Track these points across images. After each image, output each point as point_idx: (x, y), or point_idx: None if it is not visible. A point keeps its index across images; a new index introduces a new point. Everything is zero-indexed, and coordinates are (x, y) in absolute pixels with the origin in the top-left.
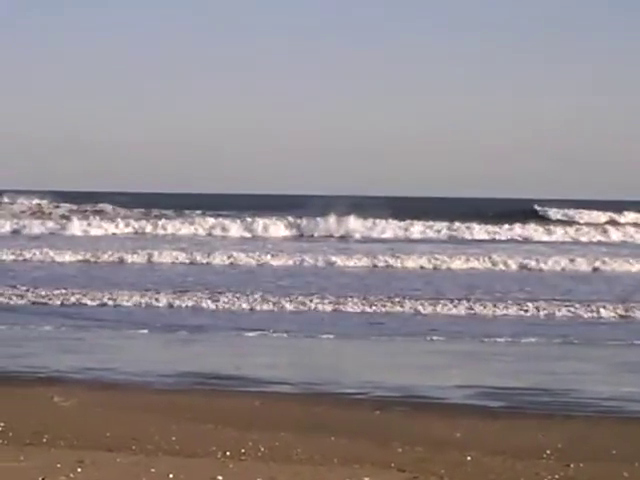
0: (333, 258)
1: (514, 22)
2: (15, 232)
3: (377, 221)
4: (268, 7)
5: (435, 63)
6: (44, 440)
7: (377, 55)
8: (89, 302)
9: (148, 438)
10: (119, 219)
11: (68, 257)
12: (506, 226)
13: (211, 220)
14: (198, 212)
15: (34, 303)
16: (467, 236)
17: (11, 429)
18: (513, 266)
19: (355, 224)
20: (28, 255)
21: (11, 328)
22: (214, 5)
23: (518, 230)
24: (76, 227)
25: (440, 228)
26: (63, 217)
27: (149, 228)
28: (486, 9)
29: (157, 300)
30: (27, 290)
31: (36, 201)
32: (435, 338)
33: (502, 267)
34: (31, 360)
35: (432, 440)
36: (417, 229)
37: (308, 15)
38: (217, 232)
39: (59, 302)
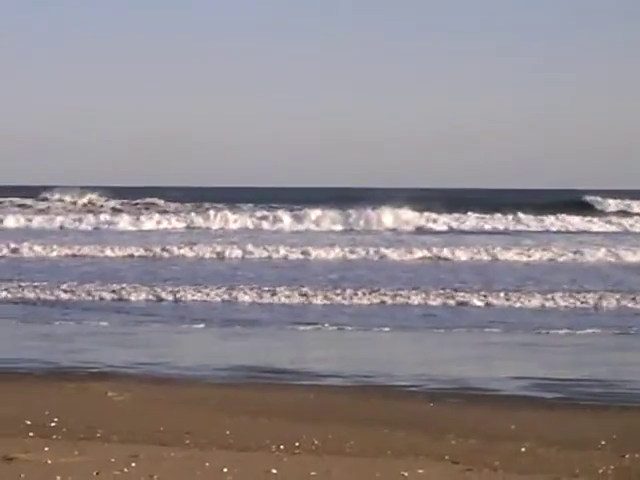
0: (386, 250)
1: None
2: (67, 227)
3: (427, 214)
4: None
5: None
6: (98, 435)
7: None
8: (141, 297)
9: (202, 432)
10: (171, 213)
11: (120, 252)
12: (557, 217)
13: (262, 213)
14: (250, 205)
15: (87, 298)
16: (519, 227)
17: (65, 424)
18: (566, 257)
19: (407, 216)
20: (81, 250)
21: (64, 324)
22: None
23: (570, 220)
24: (128, 222)
25: (490, 219)
26: (115, 211)
27: (201, 222)
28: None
29: (210, 294)
30: (80, 285)
31: (89, 196)
32: (491, 330)
33: (555, 258)
34: (84, 355)
35: (486, 432)
36: (468, 220)
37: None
38: (267, 225)
39: (111, 297)
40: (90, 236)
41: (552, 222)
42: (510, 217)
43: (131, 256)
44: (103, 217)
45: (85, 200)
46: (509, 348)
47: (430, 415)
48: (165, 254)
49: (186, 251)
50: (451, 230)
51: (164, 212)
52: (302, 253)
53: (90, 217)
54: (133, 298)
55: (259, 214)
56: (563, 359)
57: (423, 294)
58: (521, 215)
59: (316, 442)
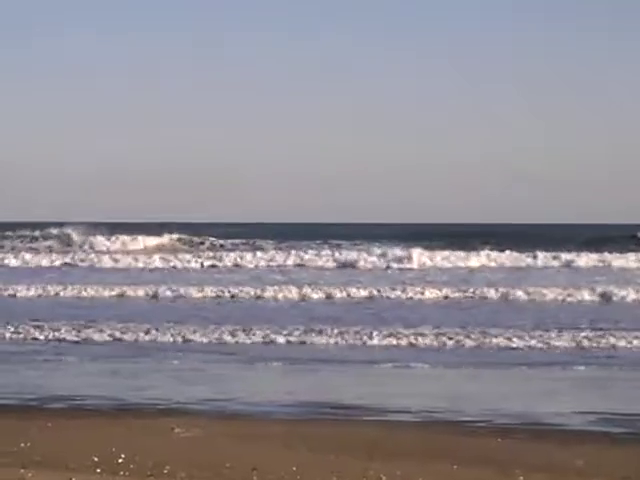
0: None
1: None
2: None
3: (485, 251)
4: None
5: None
6: (165, 471)
7: None
8: (208, 336)
9: (269, 468)
10: (263, 252)
11: (195, 292)
12: (615, 254)
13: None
14: (317, 241)
15: (161, 339)
16: (574, 263)
17: (133, 461)
18: (622, 294)
19: (458, 254)
20: (163, 292)
21: (131, 362)
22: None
23: (622, 256)
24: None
25: (547, 256)
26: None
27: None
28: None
29: (281, 334)
30: (150, 324)
31: (167, 235)
32: (558, 365)
33: (613, 295)
34: (152, 392)
35: (554, 467)
36: (521, 257)
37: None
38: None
39: (181, 336)
40: (161, 275)
41: (606, 257)
42: (565, 253)
43: (205, 297)
44: (165, 256)
45: (165, 240)
46: (575, 383)
47: (498, 450)
48: (250, 294)
49: (265, 291)
50: (503, 267)
51: (222, 249)
52: (369, 292)
53: (159, 257)
54: (200, 338)
55: (330, 252)
56: (629, 394)
57: (480, 332)
58: (576, 252)
59: (384, 478)
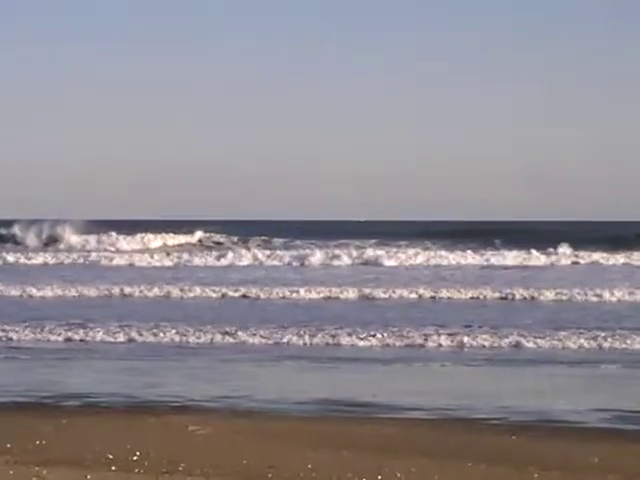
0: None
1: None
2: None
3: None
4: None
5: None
6: (180, 469)
7: None
8: (222, 336)
9: (285, 466)
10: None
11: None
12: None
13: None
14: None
15: (174, 339)
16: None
17: (147, 458)
18: None
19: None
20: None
21: (145, 360)
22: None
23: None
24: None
25: (551, 254)
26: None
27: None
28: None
29: (292, 335)
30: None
31: (200, 233)
32: (574, 363)
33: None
34: (166, 390)
35: (569, 465)
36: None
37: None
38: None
39: (197, 336)
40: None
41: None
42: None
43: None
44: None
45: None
46: (591, 380)
47: (512, 448)
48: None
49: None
50: (510, 265)
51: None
52: (384, 292)
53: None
54: (214, 336)
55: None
56: None
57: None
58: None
59: (399, 475)
